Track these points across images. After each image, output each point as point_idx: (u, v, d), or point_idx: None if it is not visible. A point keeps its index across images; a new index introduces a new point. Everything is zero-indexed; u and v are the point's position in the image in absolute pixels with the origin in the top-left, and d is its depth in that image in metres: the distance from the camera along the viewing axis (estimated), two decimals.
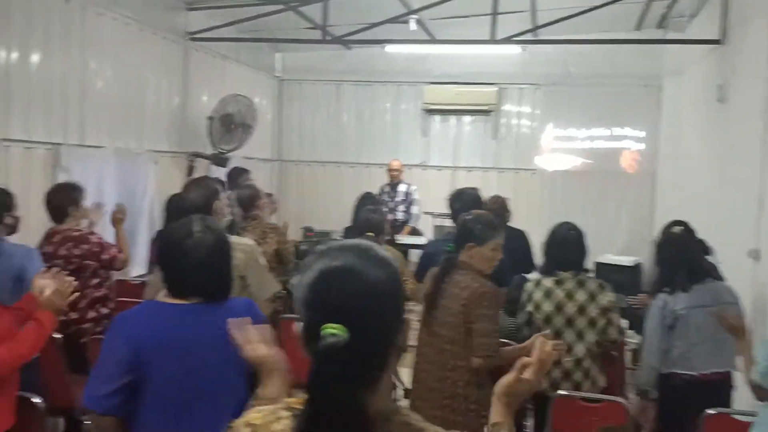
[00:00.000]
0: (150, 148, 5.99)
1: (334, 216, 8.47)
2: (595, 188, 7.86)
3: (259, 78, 8.28)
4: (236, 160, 6.76)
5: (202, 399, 1.94)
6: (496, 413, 1.30)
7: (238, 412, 1.16)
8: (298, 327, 1.06)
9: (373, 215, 4.35)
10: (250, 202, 4.48)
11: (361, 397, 0.97)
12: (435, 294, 2.87)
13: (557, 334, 3.17)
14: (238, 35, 7.18)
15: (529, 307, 3.28)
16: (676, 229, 3.43)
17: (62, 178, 4.62)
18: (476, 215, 2.97)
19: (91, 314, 3.73)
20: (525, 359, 1.34)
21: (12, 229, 3.42)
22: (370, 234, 4.25)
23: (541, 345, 1.37)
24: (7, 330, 2.37)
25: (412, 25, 6.64)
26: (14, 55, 4.43)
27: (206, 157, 6.50)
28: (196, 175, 6.37)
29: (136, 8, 5.67)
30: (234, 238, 3.02)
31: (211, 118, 6.43)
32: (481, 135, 8.40)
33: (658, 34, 7.26)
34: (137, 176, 5.72)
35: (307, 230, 7.87)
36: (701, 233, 3.53)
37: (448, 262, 2.90)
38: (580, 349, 3.20)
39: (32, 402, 2.54)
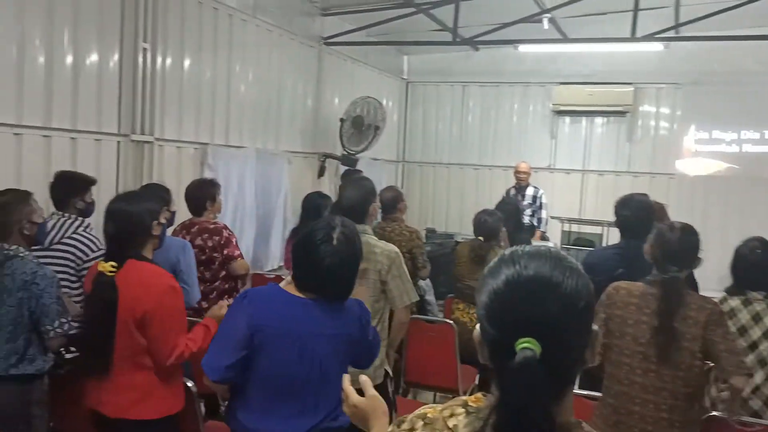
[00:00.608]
0: (285, 148, 6.25)
1: (456, 218, 8.47)
2: (740, 196, 7.26)
3: (386, 80, 8.41)
4: (363, 161, 6.91)
5: (305, 386, 2.06)
6: None
7: (336, 404, 1.16)
8: (477, 332, 1.04)
9: (486, 218, 4.28)
10: (392, 204, 4.49)
11: (551, 410, 0.94)
12: (667, 318, 2.52)
13: None
14: (368, 39, 7.33)
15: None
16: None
17: (208, 175, 4.92)
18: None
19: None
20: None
21: (168, 223, 3.69)
22: (480, 238, 4.19)
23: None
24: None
25: (545, 24, 6.46)
26: (168, 61, 4.78)
27: (336, 158, 6.69)
28: (327, 175, 6.59)
29: (276, 14, 5.94)
30: (381, 243, 3.07)
31: (342, 120, 6.61)
32: (615, 137, 8.03)
33: None
34: (273, 175, 5.98)
35: (430, 231, 7.89)
36: None
37: (673, 282, 2.57)
38: (759, 376, 2.92)
39: (188, 387, 2.71)
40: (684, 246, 2.60)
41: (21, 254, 2.67)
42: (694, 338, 2.49)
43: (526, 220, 6.98)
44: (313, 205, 4.68)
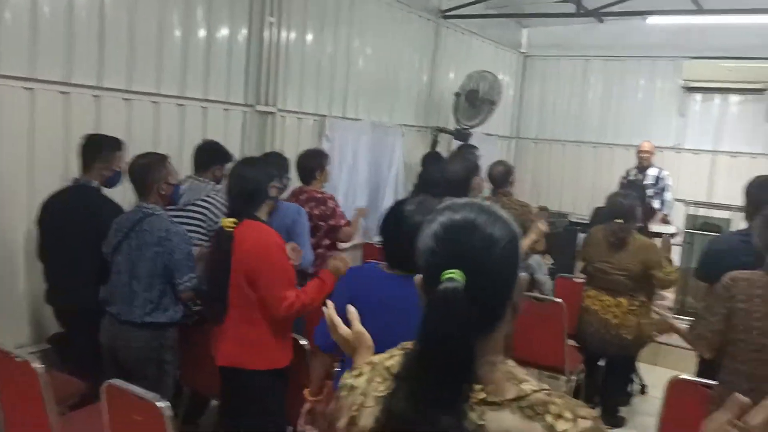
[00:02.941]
0: (399, 121, 6.33)
1: (570, 197, 8.24)
2: None
3: (503, 54, 8.25)
4: (476, 136, 6.85)
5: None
6: None
7: None
8: (418, 277, 1.10)
9: (623, 201, 4.11)
10: (503, 178, 4.50)
11: (471, 343, 0.99)
12: None
13: None
14: (487, 11, 7.21)
15: None
16: None
17: (326, 146, 5.10)
18: None
19: None
20: (743, 400, 1.04)
21: (284, 190, 3.88)
22: (619, 220, 4.02)
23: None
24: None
25: None
26: (292, 35, 4.96)
27: (449, 132, 6.68)
28: (439, 149, 6.60)
29: None
30: None
31: (458, 94, 6.58)
32: (751, 117, 7.42)
33: None
34: (386, 147, 6.08)
35: (542, 209, 7.72)
36: None
37: None
38: None
39: (300, 344, 2.87)
40: None
41: (157, 212, 2.92)
42: None
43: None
44: (428, 176, 4.72)
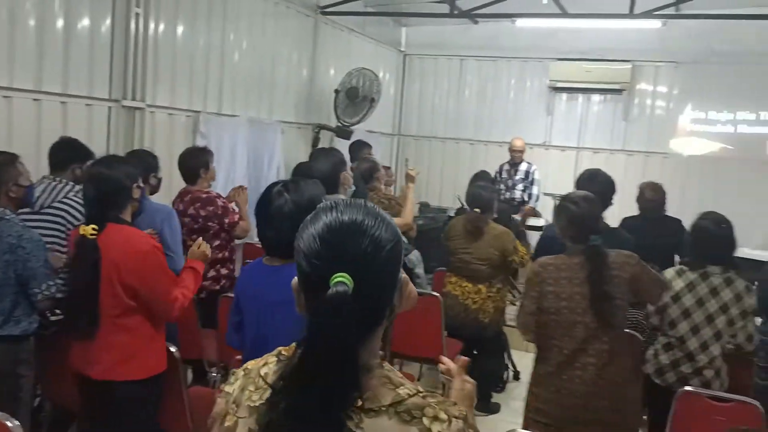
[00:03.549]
0: (278, 118, 6.24)
1: (450, 193, 8.47)
2: (734, 177, 7.25)
3: (383, 52, 8.36)
4: (358, 133, 6.89)
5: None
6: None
7: None
8: (294, 281, 1.08)
9: (482, 192, 4.35)
10: (369, 174, 4.63)
11: (355, 349, 0.98)
12: (598, 284, 2.68)
13: (694, 330, 3.03)
14: (365, 9, 7.27)
15: (666, 297, 3.09)
16: None
17: (200, 143, 4.93)
18: None
19: (211, 273, 3.91)
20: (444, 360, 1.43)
21: (155, 189, 3.71)
22: (477, 210, 4.25)
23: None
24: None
25: None
26: (161, 27, 4.75)
27: (331, 129, 6.67)
28: (321, 146, 6.57)
29: None
30: None
31: (337, 91, 6.59)
32: (611, 115, 8.00)
33: None
34: (266, 145, 5.98)
35: (423, 205, 7.91)
36: None
37: (596, 249, 2.72)
38: (716, 348, 3.01)
39: (171, 351, 2.76)
40: (590, 215, 2.75)
41: (7, 216, 2.70)
42: (623, 294, 2.68)
43: (518, 195, 7.02)
44: (302, 174, 4.69)
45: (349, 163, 4.48)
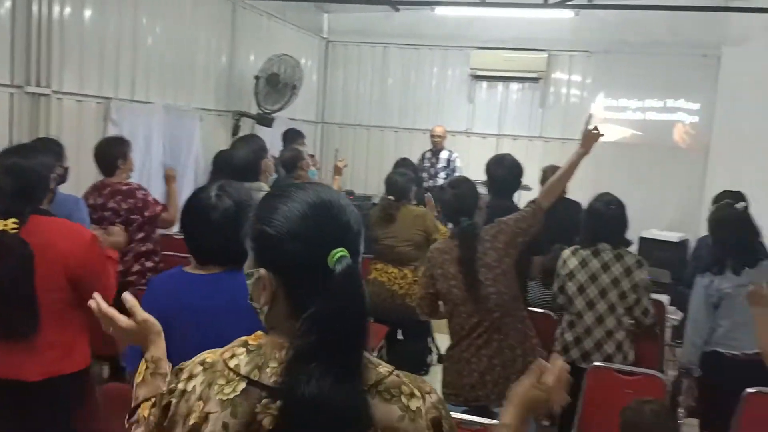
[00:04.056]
0: (197, 105, 6.07)
1: (376, 180, 8.49)
2: (644, 161, 7.62)
3: (305, 39, 8.26)
4: (280, 121, 6.80)
5: None
6: (508, 414, 1.31)
7: None
8: (263, 273, 1.06)
9: (397, 179, 4.39)
10: (292, 163, 4.56)
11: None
12: (469, 263, 2.88)
13: (590, 304, 3.18)
14: None
15: (563, 274, 3.27)
16: (740, 206, 3.27)
17: (112, 131, 4.73)
18: None
19: (136, 267, 3.81)
20: (543, 364, 1.35)
21: (62, 179, 3.53)
22: (390, 198, 4.29)
23: (555, 361, 1.38)
24: None
25: None
26: (67, 9, 4.50)
27: (252, 117, 6.56)
28: (241, 134, 6.45)
29: None
30: None
31: (257, 78, 6.46)
32: (529, 103, 8.22)
33: (720, 1, 6.93)
34: (183, 133, 5.80)
35: (348, 193, 7.90)
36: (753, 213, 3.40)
37: (468, 229, 2.93)
38: (611, 321, 3.18)
39: None
40: (457, 198, 2.93)
41: None
42: (500, 258, 2.85)
43: (440, 182, 7.11)
44: (223, 162, 4.60)
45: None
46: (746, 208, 3.26)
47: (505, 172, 3.60)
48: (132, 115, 5.11)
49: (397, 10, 7.80)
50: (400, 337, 4.43)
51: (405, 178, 4.43)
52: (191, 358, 1.91)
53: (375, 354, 4.32)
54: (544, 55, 7.89)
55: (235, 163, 3.06)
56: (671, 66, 7.46)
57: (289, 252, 1.03)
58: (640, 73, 7.63)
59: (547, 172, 4.58)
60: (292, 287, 1.05)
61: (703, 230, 5.13)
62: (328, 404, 0.95)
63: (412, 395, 1.05)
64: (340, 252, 0.99)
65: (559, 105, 8.13)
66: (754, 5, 5.87)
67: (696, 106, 7.57)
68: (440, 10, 7.53)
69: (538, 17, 7.42)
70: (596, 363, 3.07)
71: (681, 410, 3.41)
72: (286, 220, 1.03)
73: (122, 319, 1.43)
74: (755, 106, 5.73)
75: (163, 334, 1.44)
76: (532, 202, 2.93)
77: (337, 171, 4.43)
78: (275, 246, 1.04)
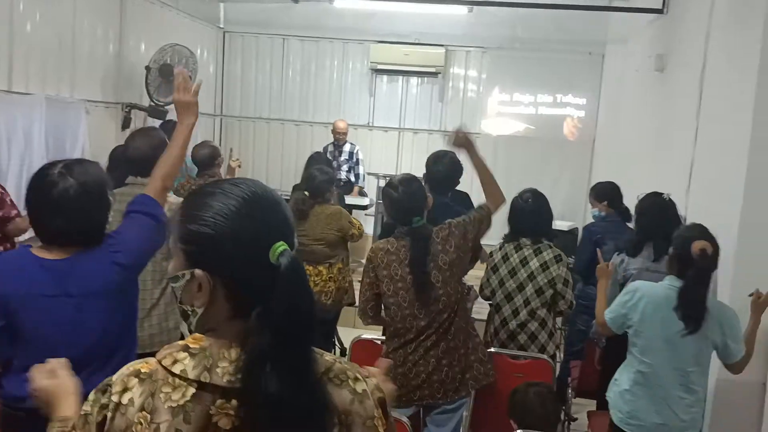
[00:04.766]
0: (82, 96, 5.73)
1: (277, 174, 8.40)
2: (536, 154, 7.97)
3: (201, 29, 7.99)
4: (174, 113, 6.53)
5: (75, 348, 1.86)
6: None
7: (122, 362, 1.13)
8: (199, 273, 1.02)
9: (317, 175, 4.30)
10: (209, 160, 4.45)
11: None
12: (420, 265, 2.78)
13: (508, 297, 3.28)
14: None
15: (488, 268, 3.36)
16: (666, 195, 3.42)
17: None
18: None
19: None
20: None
21: None
22: (305, 194, 4.22)
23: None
24: None
25: None
26: None
27: (143, 109, 6.28)
28: (134, 127, 6.16)
29: None
30: (172, 198, 2.95)
31: (148, 68, 6.19)
32: (428, 97, 8.37)
33: (604, 1, 7.34)
34: (68, 126, 5.46)
35: None
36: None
37: (420, 230, 2.83)
38: (524, 314, 3.27)
39: None
40: (409, 197, 2.82)
41: None
42: (451, 260, 2.77)
43: (343, 176, 7.12)
44: (120, 157, 4.34)
45: None
46: (670, 198, 3.41)
47: (441, 169, 3.61)
48: (9, 106, 4.76)
49: (296, 1, 7.72)
50: None
51: (325, 177, 4.29)
52: (47, 347, 1.82)
53: None
54: (442, 50, 8.05)
55: (129, 156, 2.89)
56: (560, 63, 7.84)
57: (230, 251, 1.01)
58: (532, 69, 7.97)
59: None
60: (234, 287, 1.02)
61: (589, 219, 5.45)
62: (290, 399, 0.97)
63: (357, 379, 1.09)
64: (281, 246, 1.00)
65: (457, 99, 8.33)
66: (634, 5, 6.25)
67: (583, 101, 8.00)
68: (339, 3, 7.52)
69: (435, 12, 7.56)
70: (491, 349, 3.17)
71: (570, 391, 3.60)
72: (225, 219, 1.01)
73: (39, 380, 1.30)
74: (636, 99, 6.11)
75: (74, 393, 1.28)
76: (481, 207, 2.92)
77: (231, 172, 4.31)
78: (216, 246, 1.01)
